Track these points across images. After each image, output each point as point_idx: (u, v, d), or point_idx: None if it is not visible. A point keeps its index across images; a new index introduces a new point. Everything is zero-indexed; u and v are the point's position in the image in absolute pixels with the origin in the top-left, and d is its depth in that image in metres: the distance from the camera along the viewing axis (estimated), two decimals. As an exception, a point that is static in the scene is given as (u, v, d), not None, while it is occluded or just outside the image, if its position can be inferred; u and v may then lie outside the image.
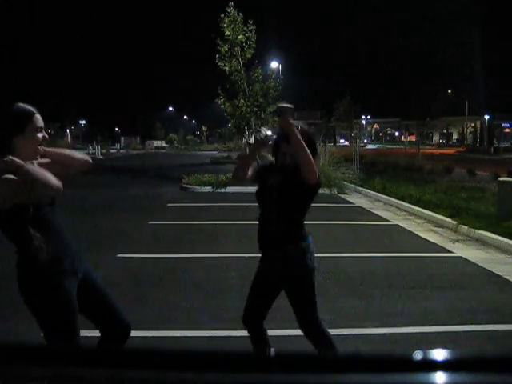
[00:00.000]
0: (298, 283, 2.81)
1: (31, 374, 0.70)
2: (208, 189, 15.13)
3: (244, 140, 20.57)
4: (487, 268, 6.24)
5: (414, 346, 3.83)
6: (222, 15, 16.48)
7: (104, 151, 47.78)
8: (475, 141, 68.88)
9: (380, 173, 18.08)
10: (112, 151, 52.59)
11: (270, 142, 2.74)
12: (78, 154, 2.71)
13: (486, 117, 64.85)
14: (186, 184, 15.87)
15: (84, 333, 4.09)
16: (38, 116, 2.50)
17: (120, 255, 6.34)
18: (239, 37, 16.39)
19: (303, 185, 2.71)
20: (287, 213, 2.78)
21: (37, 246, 2.38)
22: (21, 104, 2.49)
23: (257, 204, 2.93)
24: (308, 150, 2.64)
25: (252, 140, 17.26)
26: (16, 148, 2.41)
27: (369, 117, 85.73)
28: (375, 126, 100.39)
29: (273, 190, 2.75)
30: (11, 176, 2.28)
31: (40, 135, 2.47)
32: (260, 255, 2.90)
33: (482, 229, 8.06)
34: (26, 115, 2.46)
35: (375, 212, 11.08)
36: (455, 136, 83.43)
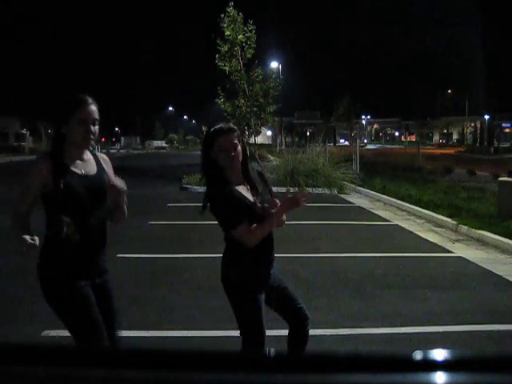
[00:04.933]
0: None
1: (32, 374, 0.70)
2: (208, 189, 15.11)
3: (244, 140, 20.55)
4: (487, 268, 6.24)
5: (414, 345, 3.83)
6: (222, 15, 16.49)
7: (104, 151, 47.79)
8: (475, 141, 68.88)
9: (380, 173, 18.09)
10: (112, 151, 52.62)
11: None
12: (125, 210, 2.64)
13: (486, 117, 64.84)
14: (186, 184, 15.87)
15: (84, 333, 4.08)
16: (89, 107, 2.40)
17: (120, 255, 6.34)
18: (239, 37, 16.39)
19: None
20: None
21: (66, 231, 2.32)
22: (72, 94, 2.45)
23: None
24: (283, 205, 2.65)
25: (252, 140, 17.28)
26: (67, 137, 2.40)
27: (369, 117, 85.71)
28: (375, 126, 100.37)
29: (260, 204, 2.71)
30: (43, 165, 2.34)
31: (83, 128, 2.37)
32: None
33: (482, 229, 8.06)
34: (71, 105, 2.40)
35: (375, 212, 11.08)
36: (455, 136, 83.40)
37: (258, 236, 2.59)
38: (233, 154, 2.59)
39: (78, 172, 2.41)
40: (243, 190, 2.68)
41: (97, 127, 2.43)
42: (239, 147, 2.63)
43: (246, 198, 2.66)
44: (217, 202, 2.64)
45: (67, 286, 2.39)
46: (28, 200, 2.43)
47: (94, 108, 2.42)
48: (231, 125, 2.72)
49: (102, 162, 2.57)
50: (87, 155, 2.51)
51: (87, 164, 2.49)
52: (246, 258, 2.75)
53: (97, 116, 2.43)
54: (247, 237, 2.59)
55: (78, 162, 2.45)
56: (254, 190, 2.71)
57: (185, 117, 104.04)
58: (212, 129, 2.67)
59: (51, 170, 2.34)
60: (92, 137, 2.41)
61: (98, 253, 2.49)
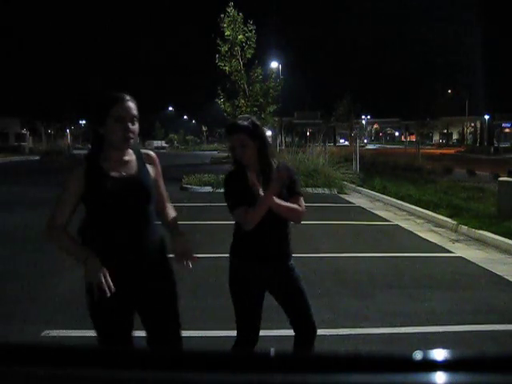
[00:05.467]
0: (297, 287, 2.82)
1: (32, 374, 0.69)
2: (208, 189, 15.13)
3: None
4: (487, 268, 6.24)
5: (414, 345, 3.83)
6: (222, 15, 16.49)
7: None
8: (475, 141, 68.92)
9: (380, 173, 18.09)
10: (112, 151, 52.51)
11: None
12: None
13: (486, 117, 64.86)
14: (186, 184, 15.87)
15: (85, 333, 4.09)
16: (126, 104, 2.25)
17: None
18: (239, 37, 16.39)
19: (285, 182, 2.73)
20: (284, 230, 2.78)
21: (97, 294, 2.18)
22: (105, 93, 2.30)
23: None
24: (290, 205, 2.68)
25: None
26: (105, 137, 2.26)
27: (369, 117, 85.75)
28: (375, 126, 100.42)
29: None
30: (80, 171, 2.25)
31: (121, 126, 2.22)
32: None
33: (482, 229, 8.06)
34: (107, 104, 2.25)
35: (375, 212, 11.08)
36: (455, 136, 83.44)
37: (253, 217, 2.61)
38: (240, 151, 2.64)
39: (116, 175, 2.27)
40: (254, 178, 2.71)
41: (136, 125, 2.29)
42: (249, 145, 2.64)
43: (253, 184, 2.69)
44: (224, 187, 2.79)
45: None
46: (66, 210, 2.28)
47: (131, 104, 2.27)
48: (246, 122, 2.70)
49: (145, 160, 2.42)
50: (129, 155, 2.35)
51: (128, 165, 2.34)
52: (243, 247, 2.78)
53: (135, 113, 2.28)
54: (243, 218, 2.65)
55: (118, 163, 2.30)
56: (265, 178, 2.71)
57: (185, 117, 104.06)
58: (227, 125, 2.84)
59: (86, 174, 2.24)
60: (131, 135, 2.25)
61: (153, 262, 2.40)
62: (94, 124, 2.29)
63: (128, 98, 2.27)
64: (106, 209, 2.26)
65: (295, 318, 2.84)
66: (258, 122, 2.77)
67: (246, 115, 2.81)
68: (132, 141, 2.27)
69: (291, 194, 2.77)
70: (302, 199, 2.79)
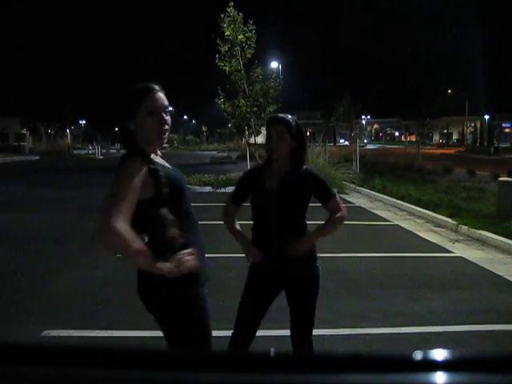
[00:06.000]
0: (306, 285, 2.78)
1: (32, 374, 0.69)
2: (208, 189, 15.13)
3: (244, 140, 20.56)
4: (487, 268, 6.24)
5: (414, 345, 3.83)
6: (222, 15, 16.47)
7: (104, 151, 47.80)
8: (475, 141, 68.87)
9: (380, 173, 18.08)
10: (112, 151, 52.61)
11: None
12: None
13: (486, 117, 64.86)
14: (186, 184, 15.86)
15: (85, 333, 4.09)
16: (157, 95, 2.05)
17: (120, 255, 6.34)
18: (239, 37, 16.37)
19: (305, 188, 2.72)
20: (292, 218, 2.76)
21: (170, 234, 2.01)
22: (136, 85, 2.09)
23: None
24: (332, 226, 2.86)
25: (252, 140, 17.28)
26: (136, 134, 2.05)
27: (369, 117, 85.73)
28: (375, 126, 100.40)
29: (273, 197, 2.67)
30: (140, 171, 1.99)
31: (157, 118, 2.03)
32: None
33: (482, 229, 8.06)
34: (136, 96, 2.05)
35: (375, 212, 11.08)
36: (455, 136, 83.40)
37: (225, 224, 2.86)
38: (275, 142, 2.67)
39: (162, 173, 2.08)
40: (275, 172, 2.73)
41: (169, 117, 2.09)
42: (286, 138, 2.66)
43: (265, 180, 2.72)
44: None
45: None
46: (129, 210, 1.96)
47: (162, 95, 2.08)
48: (289, 117, 2.73)
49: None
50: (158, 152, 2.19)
51: (164, 162, 2.19)
52: (259, 245, 2.77)
53: (167, 103, 2.09)
54: (223, 213, 2.86)
55: (157, 160, 2.13)
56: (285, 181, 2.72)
57: (185, 117, 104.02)
58: (270, 116, 2.96)
59: (148, 171, 2.00)
60: (167, 127, 2.06)
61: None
62: (123, 120, 2.08)
63: (158, 87, 2.09)
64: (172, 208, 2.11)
65: (293, 332, 2.82)
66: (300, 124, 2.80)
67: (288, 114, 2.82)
68: (167, 134, 2.10)
69: (324, 199, 2.79)
70: (336, 199, 2.81)
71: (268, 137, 2.70)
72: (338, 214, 2.77)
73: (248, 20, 16.60)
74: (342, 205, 2.83)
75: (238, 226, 2.82)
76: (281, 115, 2.75)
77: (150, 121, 2.03)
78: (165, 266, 1.95)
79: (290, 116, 2.75)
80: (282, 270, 2.74)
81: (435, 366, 0.66)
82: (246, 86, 16.86)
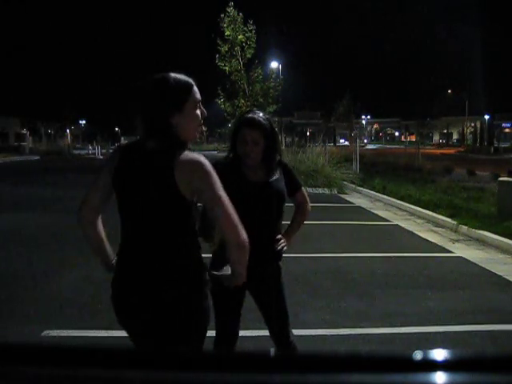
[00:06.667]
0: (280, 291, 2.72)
1: (32, 374, 0.69)
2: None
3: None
4: (487, 268, 6.24)
5: (414, 345, 3.83)
6: (222, 15, 16.49)
7: (104, 151, 47.79)
8: (475, 141, 68.85)
9: (380, 173, 18.09)
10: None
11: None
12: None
13: (486, 117, 64.86)
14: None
15: (85, 333, 4.09)
16: (196, 88, 1.99)
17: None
18: (239, 37, 16.39)
19: (283, 198, 2.65)
20: (275, 227, 2.68)
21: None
22: (177, 75, 1.98)
23: None
24: (296, 226, 2.79)
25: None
26: (175, 129, 1.94)
27: (369, 117, 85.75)
28: (375, 125, 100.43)
29: (256, 206, 2.55)
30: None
31: (199, 111, 1.99)
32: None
33: (482, 229, 8.06)
34: (184, 89, 1.95)
35: (375, 212, 11.08)
36: (455, 136, 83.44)
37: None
38: (250, 148, 2.55)
39: None
40: (254, 174, 2.61)
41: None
42: (260, 143, 2.54)
43: (241, 182, 2.57)
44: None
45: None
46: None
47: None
48: (264, 119, 2.59)
49: None
50: None
51: None
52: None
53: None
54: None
55: None
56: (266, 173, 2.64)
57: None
58: (241, 117, 2.72)
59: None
60: (202, 121, 2.04)
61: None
62: (170, 113, 1.93)
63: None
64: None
65: (272, 331, 2.73)
66: (272, 120, 2.70)
67: (256, 109, 2.71)
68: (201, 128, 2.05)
69: (294, 190, 2.75)
70: (303, 190, 2.78)
71: (243, 141, 2.55)
72: (304, 208, 2.77)
73: (248, 20, 16.62)
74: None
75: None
76: (257, 118, 2.56)
77: (195, 114, 1.98)
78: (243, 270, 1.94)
79: (263, 116, 2.61)
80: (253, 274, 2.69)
81: (435, 365, 0.66)
82: (246, 85, 16.87)
